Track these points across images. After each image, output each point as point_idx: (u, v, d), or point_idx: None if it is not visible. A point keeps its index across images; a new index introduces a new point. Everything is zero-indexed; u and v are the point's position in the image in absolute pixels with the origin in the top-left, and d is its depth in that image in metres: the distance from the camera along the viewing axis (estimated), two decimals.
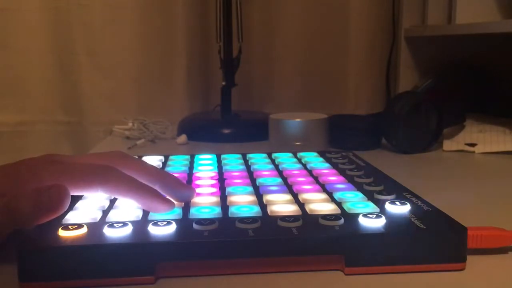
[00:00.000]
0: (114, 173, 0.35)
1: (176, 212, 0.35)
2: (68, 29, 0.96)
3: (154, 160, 0.52)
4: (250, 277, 0.31)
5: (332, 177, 0.45)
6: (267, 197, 0.38)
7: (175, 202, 0.36)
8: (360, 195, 0.39)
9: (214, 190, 0.41)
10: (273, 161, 0.52)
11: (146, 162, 0.40)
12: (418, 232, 0.32)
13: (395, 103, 0.68)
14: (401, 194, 0.39)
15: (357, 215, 0.33)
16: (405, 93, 0.77)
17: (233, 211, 0.35)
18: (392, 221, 0.33)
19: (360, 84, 1.01)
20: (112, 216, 0.34)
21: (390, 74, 1.01)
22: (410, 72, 0.97)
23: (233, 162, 0.51)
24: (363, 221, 0.33)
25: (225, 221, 0.33)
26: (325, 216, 0.33)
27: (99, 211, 0.35)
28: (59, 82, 0.98)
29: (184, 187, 0.38)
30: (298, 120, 0.67)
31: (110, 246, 0.30)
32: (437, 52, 0.97)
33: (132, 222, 0.32)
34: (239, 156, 0.54)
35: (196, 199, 0.38)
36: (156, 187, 0.36)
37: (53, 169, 0.35)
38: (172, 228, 0.31)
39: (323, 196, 0.39)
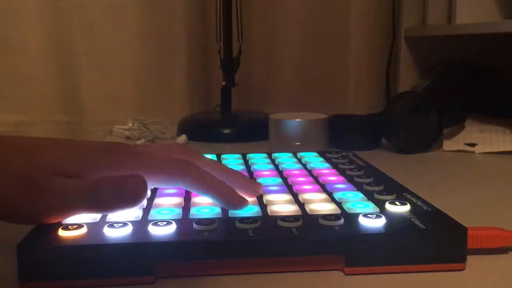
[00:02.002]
0: (195, 169, 0.35)
1: (176, 212, 0.35)
2: (68, 29, 0.96)
3: None
4: (250, 277, 0.31)
5: (332, 177, 0.44)
6: (267, 197, 0.38)
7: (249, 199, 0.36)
8: (360, 195, 0.39)
9: None
10: (273, 161, 0.52)
11: (217, 161, 0.40)
12: (418, 232, 0.32)
13: (395, 103, 0.68)
14: (401, 194, 0.39)
15: (357, 215, 0.33)
16: (405, 93, 0.77)
17: (233, 211, 0.35)
18: (392, 221, 0.33)
19: (360, 84, 1.01)
20: (112, 216, 0.34)
21: (390, 74, 1.01)
22: (410, 72, 0.97)
23: (233, 162, 0.51)
24: (363, 221, 0.33)
25: (225, 221, 0.33)
26: (325, 216, 0.33)
27: None
28: (59, 82, 0.98)
29: (254, 183, 0.39)
30: (298, 120, 0.67)
31: (110, 246, 0.30)
32: (437, 52, 0.97)
33: (132, 222, 0.32)
34: (239, 156, 0.54)
35: (196, 199, 0.38)
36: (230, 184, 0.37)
37: (134, 158, 0.35)
38: (172, 228, 0.31)
39: (323, 196, 0.39)
